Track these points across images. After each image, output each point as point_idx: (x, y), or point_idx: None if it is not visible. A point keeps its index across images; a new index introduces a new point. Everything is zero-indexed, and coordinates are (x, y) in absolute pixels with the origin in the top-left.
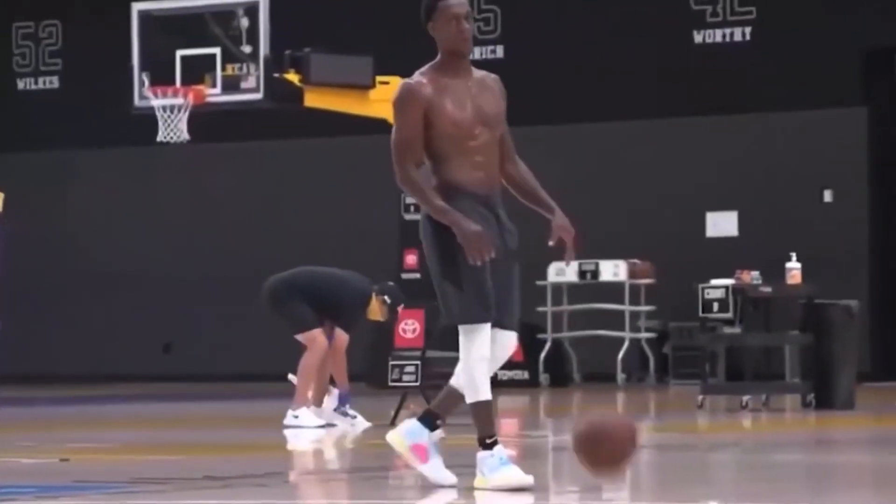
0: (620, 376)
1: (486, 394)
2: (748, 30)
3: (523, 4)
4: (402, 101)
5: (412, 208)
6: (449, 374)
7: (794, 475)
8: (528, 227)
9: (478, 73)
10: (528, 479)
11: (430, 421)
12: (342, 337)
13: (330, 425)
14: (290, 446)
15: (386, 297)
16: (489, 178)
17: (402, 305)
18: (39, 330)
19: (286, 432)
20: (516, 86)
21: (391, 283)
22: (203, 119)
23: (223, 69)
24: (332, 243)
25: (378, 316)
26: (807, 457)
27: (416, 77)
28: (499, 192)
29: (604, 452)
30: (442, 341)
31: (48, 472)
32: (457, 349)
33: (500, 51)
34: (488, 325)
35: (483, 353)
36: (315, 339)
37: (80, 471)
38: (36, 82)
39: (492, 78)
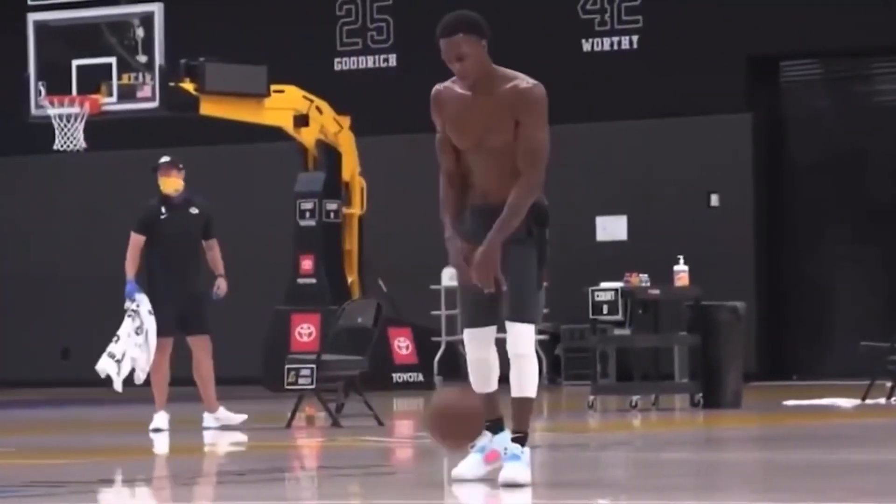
0: None
1: (475, 388)
2: (635, 38)
3: (415, 13)
4: (431, 107)
5: (307, 214)
6: (344, 377)
7: (683, 472)
8: (421, 233)
9: (503, 86)
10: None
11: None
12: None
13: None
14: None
15: (160, 162)
16: (486, 190)
17: (167, 159)
18: None
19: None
20: (410, 94)
21: None
22: (100, 127)
23: (119, 78)
24: (229, 249)
25: (171, 182)
26: (695, 454)
27: (445, 83)
28: (502, 198)
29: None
30: (336, 345)
31: None
32: (350, 352)
33: (392, 59)
34: (473, 329)
35: (471, 356)
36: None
37: None
38: None
39: (514, 91)
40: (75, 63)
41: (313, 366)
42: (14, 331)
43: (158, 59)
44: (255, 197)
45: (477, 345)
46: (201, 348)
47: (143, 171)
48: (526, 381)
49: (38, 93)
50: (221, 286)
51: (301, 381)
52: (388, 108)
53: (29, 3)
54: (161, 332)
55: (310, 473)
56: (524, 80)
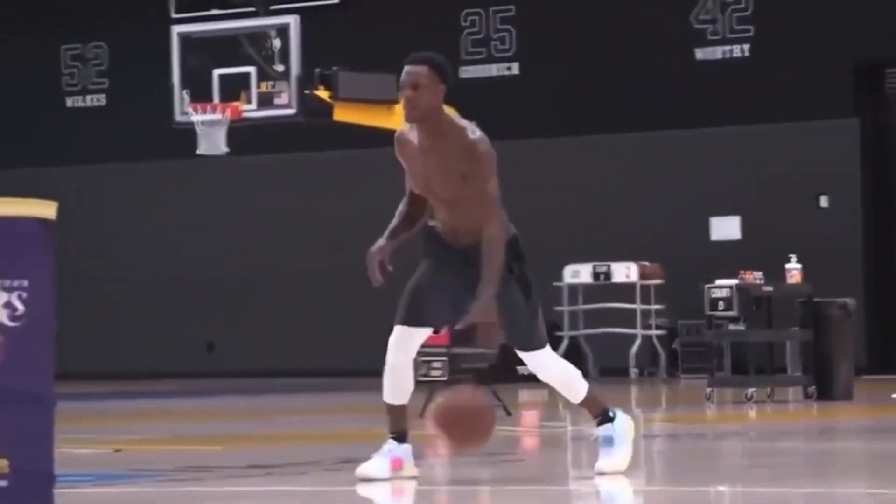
0: (633, 371)
1: (385, 396)
2: (747, 46)
3: (537, 24)
4: (395, 147)
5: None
6: (475, 370)
7: (797, 461)
8: (544, 232)
9: (451, 140)
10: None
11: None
12: None
13: None
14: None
15: None
16: (453, 229)
17: None
18: (92, 330)
19: None
20: (532, 101)
21: None
22: (240, 133)
23: (258, 86)
24: (363, 247)
25: None
26: (808, 444)
27: (402, 128)
28: (472, 238)
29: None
30: (466, 338)
31: (103, 462)
32: (478, 346)
33: (515, 67)
34: (403, 327)
35: (390, 359)
36: None
37: (133, 460)
38: (84, 100)
39: (460, 145)
40: (216, 72)
41: (445, 359)
42: (164, 326)
43: (295, 68)
44: (386, 197)
45: (399, 346)
46: None
47: (281, 174)
48: (571, 388)
49: (182, 100)
50: None
51: (433, 373)
52: (511, 115)
53: (173, 16)
54: None
55: (443, 460)
56: (470, 133)
